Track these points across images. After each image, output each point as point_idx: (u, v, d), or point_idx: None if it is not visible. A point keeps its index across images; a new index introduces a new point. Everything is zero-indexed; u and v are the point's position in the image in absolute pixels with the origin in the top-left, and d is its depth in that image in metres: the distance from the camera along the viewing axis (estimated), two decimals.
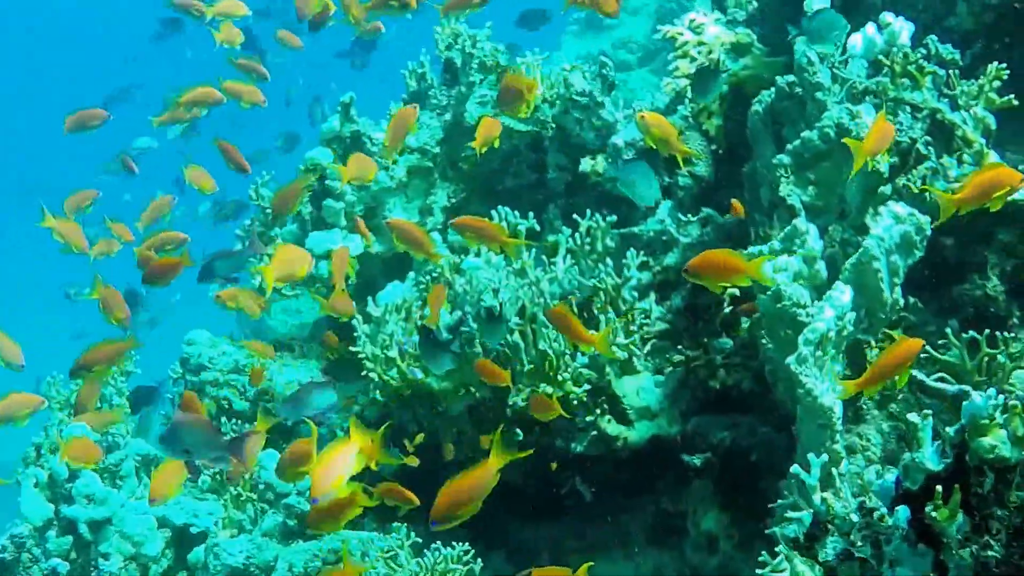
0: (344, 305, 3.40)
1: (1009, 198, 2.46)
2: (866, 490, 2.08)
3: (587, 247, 3.43)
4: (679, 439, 3.22)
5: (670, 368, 3.29)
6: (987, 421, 1.81)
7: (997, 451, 1.80)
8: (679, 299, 3.36)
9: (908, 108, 3.00)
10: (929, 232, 2.75)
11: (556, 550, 3.40)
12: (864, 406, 2.74)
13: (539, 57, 4.14)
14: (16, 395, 3.18)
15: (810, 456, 2.22)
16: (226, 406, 3.96)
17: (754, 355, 3.10)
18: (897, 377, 2.31)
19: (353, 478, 2.31)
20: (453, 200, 4.30)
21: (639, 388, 3.29)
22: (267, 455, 3.35)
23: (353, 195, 4.20)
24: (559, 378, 3.16)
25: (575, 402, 3.18)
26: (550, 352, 3.16)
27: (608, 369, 3.25)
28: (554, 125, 4.09)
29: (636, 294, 3.31)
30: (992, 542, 1.78)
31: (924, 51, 3.08)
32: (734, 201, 3.28)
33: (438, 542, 3.03)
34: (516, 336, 3.18)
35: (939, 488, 1.82)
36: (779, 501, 2.47)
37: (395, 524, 3.16)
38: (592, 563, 2.43)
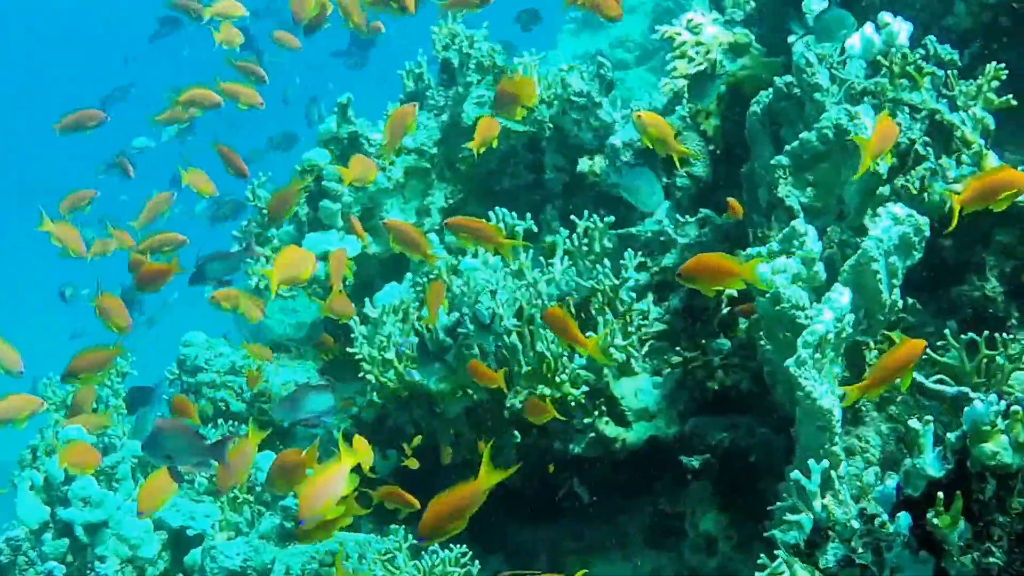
0: (343, 306, 3.38)
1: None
2: (865, 492, 2.07)
3: (585, 248, 3.41)
4: (677, 440, 3.21)
5: (668, 369, 3.28)
6: (989, 427, 1.81)
7: (999, 457, 1.79)
8: (677, 300, 3.35)
9: (907, 109, 2.99)
10: (928, 233, 2.74)
11: (554, 552, 3.39)
12: (863, 408, 2.74)
13: (536, 57, 4.12)
14: (15, 397, 3.15)
15: (810, 462, 2.21)
16: (223, 407, 3.95)
17: (752, 356, 3.09)
18: (899, 380, 2.30)
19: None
20: (450, 201, 4.29)
21: (637, 389, 3.28)
22: (264, 456, 3.34)
23: (350, 196, 4.18)
24: (557, 380, 3.15)
25: (573, 404, 3.17)
26: (548, 354, 3.15)
27: (606, 371, 3.24)
28: (552, 126, 4.08)
29: (634, 295, 3.30)
30: (994, 549, 1.77)
31: (922, 51, 3.08)
32: (732, 200, 3.26)
33: (436, 544, 3.02)
34: (514, 338, 3.17)
35: (940, 495, 1.81)
36: (778, 503, 2.46)
37: (393, 526, 3.15)
38: (587, 570, 2.42)
